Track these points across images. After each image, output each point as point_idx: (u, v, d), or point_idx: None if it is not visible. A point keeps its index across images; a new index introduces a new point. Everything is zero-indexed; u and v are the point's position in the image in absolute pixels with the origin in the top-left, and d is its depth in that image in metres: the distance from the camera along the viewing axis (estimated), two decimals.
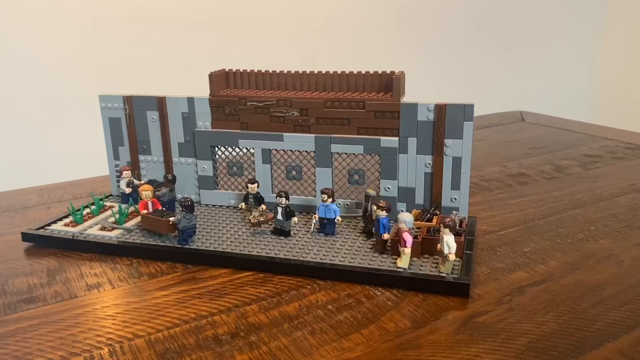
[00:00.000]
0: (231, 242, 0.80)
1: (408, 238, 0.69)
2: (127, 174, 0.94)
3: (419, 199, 0.85)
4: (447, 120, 0.81)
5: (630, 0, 2.76)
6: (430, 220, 0.80)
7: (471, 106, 0.80)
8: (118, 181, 0.99)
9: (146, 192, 0.84)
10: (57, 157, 1.85)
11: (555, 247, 0.79)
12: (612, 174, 1.12)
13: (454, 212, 0.82)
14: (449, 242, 0.67)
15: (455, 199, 0.83)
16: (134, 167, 0.98)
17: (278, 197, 0.80)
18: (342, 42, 2.28)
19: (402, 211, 0.86)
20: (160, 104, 0.93)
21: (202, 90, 0.94)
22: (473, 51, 2.58)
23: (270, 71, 0.92)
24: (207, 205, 0.94)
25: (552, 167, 1.18)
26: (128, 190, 0.93)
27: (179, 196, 0.95)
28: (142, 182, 0.97)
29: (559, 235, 0.83)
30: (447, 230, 0.68)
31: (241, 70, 0.94)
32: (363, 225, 0.82)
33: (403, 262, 0.70)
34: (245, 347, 0.58)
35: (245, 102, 0.89)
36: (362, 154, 0.86)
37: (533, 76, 2.76)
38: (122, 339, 0.60)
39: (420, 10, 2.42)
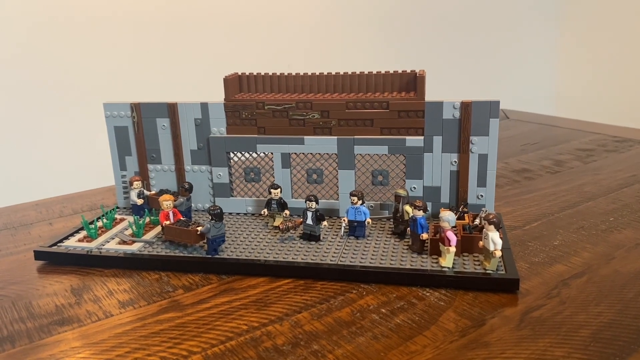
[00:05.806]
0: (262, 249, 0.77)
1: (452, 237, 0.69)
2: (137, 184, 0.90)
3: (445, 197, 0.85)
4: (473, 117, 0.81)
5: (584, 6, 2.88)
6: (461, 218, 0.80)
7: (497, 103, 0.80)
8: (126, 192, 0.95)
9: (167, 202, 0.80)
10: (47, 170, 1.74)
11: (582, 239, 0.80)
12: (610, 166, 1.15)
13: (483, 209, 0.82)
14: (494, 239, 0.67)
15: (482, 195, 0.84)
16: (143, 176, 0.94)
17: (308, 202, 0.78)
18: (321, 43, 2.27)
19: (428, 211, 0.86)
20: (171, 110, 0.90)
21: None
22: (444, 50, 2.62)
23: (286, 74, 0.90)
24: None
25: (552, 162, 1.20)
26: (140, 202, 0.89)
27: (193, 205, 0.92)
28: (153, 192, 0.93)
29: (582, 228, 0.85)
30: (491, 227, 0.68)
31: (255, 73, 0.91)
32: (394, 226, 0.81)
33: (447, 261, 0.69)
34: (310, 356, 0.56)
35: (263, 105, 0.87)
36: (386, 155, 0.85)
37: (502, 75, 2.83)
38: (178, 357, 0.57)
39: (395, 12, 2.44)
